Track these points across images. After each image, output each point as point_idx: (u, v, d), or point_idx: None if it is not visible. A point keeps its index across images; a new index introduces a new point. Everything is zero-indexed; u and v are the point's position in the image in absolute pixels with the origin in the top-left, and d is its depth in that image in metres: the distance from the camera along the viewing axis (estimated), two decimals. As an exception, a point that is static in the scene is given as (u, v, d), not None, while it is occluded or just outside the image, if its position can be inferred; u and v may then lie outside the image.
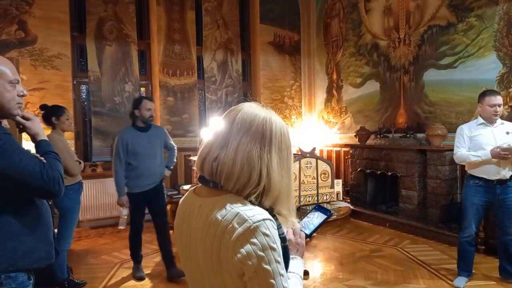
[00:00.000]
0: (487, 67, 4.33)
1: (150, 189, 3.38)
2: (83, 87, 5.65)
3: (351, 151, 5.97)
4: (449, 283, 3.25)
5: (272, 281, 0.83)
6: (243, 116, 0.92)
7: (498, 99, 3.05)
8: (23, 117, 1.43)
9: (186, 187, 5.11)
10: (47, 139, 1.50)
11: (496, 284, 3.21)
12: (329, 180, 5.65)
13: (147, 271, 3.64)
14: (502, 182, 3.05)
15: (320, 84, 7.11)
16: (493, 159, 2.97)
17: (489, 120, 3.10)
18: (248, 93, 6.90)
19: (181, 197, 5.72)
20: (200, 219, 0.91)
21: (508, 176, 3.05)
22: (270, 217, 0.86)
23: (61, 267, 3.15)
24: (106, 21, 5.57)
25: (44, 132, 1.50)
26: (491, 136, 3.05)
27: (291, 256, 0.99)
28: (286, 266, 0.92)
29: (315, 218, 1.13)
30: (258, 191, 0.88)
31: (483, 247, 3.92)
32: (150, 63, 6.04)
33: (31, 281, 1.39)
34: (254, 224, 0.82)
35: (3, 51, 4.73)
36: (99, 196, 5.31)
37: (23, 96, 1.40)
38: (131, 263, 3.60)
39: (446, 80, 4.79)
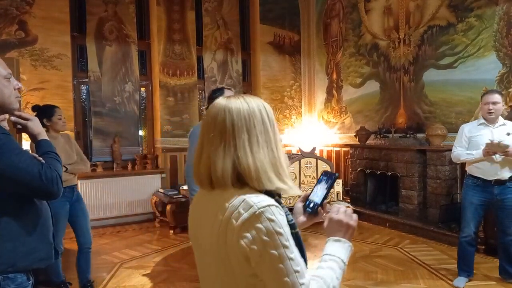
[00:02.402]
0: (487, 67, 4.33)
1: None
2: (83, 87, 5.65)
3: (351, 151, 5.97)
4: (449, 283, 3.24)
5: (281, 265, 0.83)
6: (207, 119, 0.95)
7: (494, 97, 3.02)
8: (22, 117, 1.42)
9: (186, 187, 5.10)
10: (48, 139, 1.49)
11: (496, 284, 3.21)
12: (329, 180, 5.64)
13: (147, 271, 3.64)
14: (500, 182, 3.03)
15: (320, 84, 7.10)
16: (488, 157, 2.96)
17: (487, 119, 3.09)
18: (248, 93, 6.90)
19: (181, 197, 5.64)
20: (209, 209, 0.94)
21: (506, 177, 3.03)
22: (276, 203, 0.87)
23: (56, 270, 3.13)
24: (106, 21, 5.57)
25: (44, 132, 1.50)
26: (489, 137, 3.02)
27: (335, 238, 0.99)
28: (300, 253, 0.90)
29: (320, 186, 1.09)
30: (250, 179, 0.88)
31: (483, 247, 3.91)
32: (150, 63, 6.06)
33: (30, 282, 1.37)
34: (259, 210, 0.84)
35: (3, 51, 4.73)
36: (99, 196, 5.31)
37: (19, 89, 1.40)
38: (131, 263, 3.57)
39: (446, 80, 4.79)
